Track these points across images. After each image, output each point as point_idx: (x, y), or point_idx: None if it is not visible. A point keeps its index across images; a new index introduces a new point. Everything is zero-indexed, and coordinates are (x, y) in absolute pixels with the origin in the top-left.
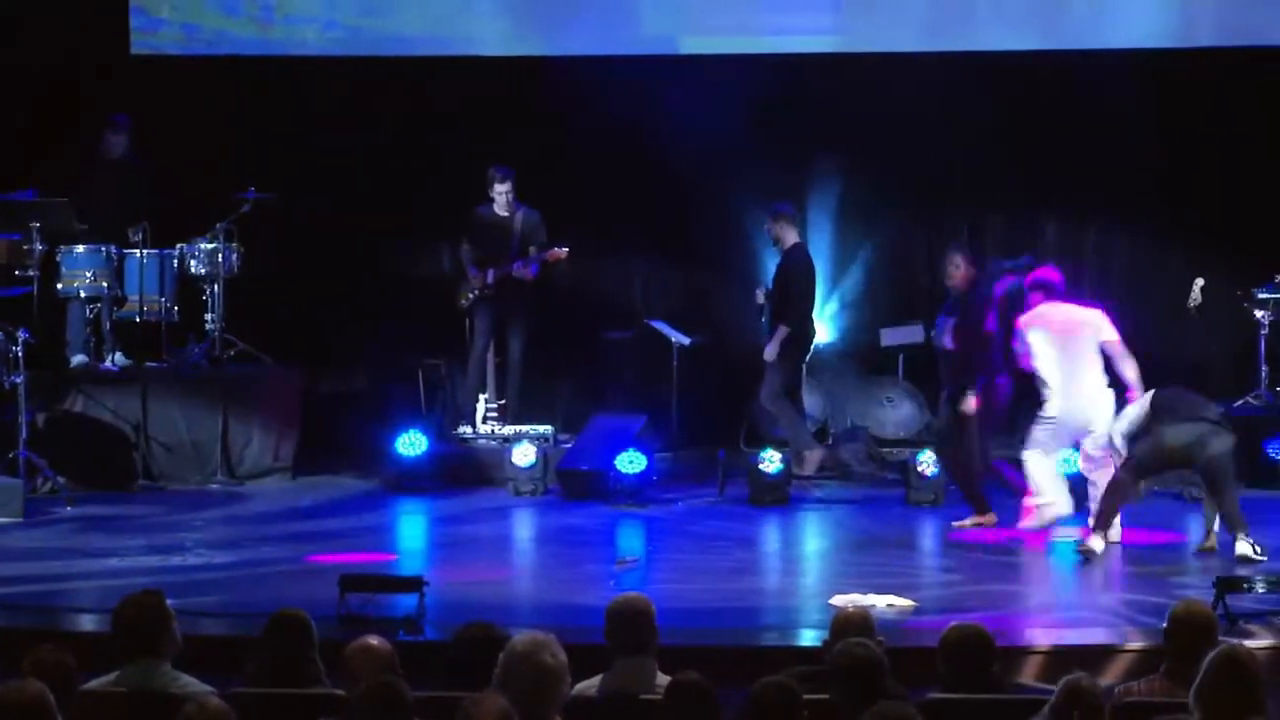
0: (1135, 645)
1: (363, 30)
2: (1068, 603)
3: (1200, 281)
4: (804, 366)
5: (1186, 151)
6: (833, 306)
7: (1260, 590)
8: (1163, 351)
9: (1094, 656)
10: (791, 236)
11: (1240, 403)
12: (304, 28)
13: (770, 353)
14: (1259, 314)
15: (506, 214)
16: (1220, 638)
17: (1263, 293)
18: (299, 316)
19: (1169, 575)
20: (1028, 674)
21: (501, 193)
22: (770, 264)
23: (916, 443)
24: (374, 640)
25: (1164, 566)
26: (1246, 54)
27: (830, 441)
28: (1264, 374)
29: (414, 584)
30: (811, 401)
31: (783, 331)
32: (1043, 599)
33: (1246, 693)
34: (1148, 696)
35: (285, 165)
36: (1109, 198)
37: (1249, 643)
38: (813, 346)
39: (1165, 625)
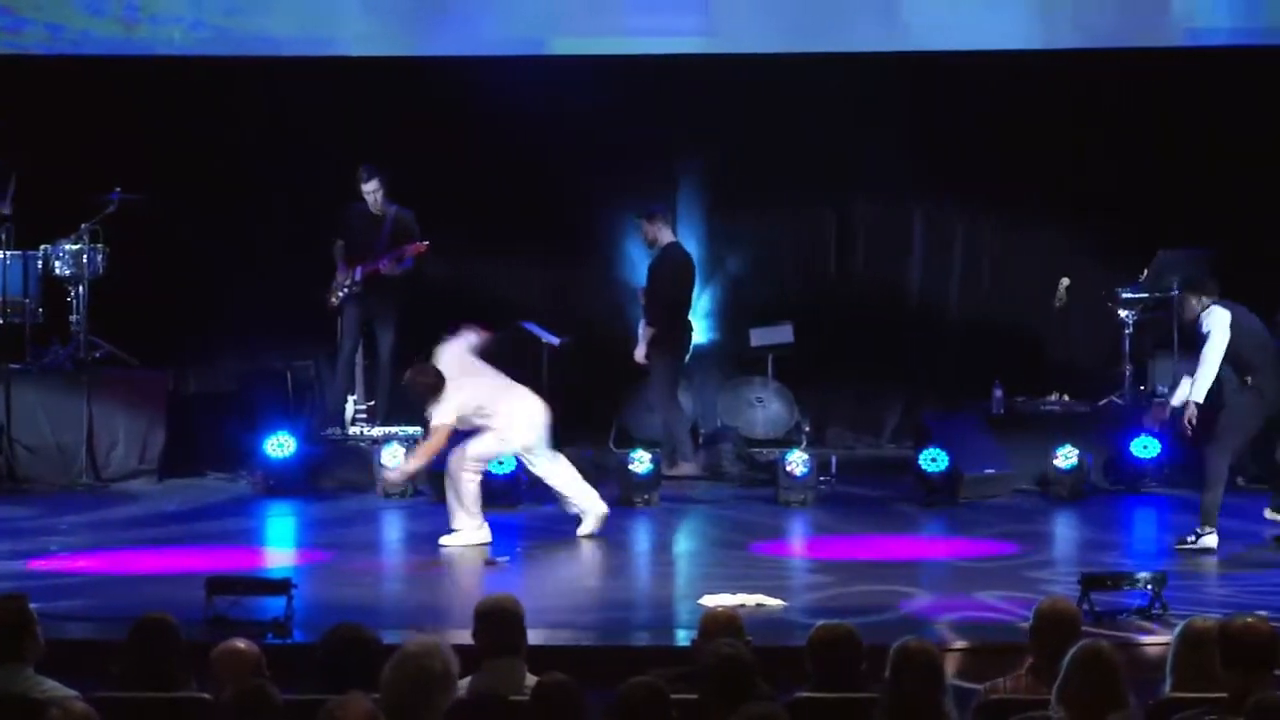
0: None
1: (229, 30)
2: (940, 604)
3: (1066, 281)
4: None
5: (1055, 151)
6: (702, 306)
7: (1123, 587)
8: (1028, 349)
9: (964, 654)
10: (666, 236)
11: (1104, 402)
12: (170, 27)
13: (638, 354)
14: (1123, 314)
15: (379, 213)
16: (1084, 630)
17: (1127, 293)
18: (165, 318)
19: (1036, 572)
20: None
21: (369, 192)
22: (643, 263)
23: (786, 442)
24: (241, 643)
25: (1029, 563)
26: (1114, 55)
27: (700, 442)
28: (1128, 374)
29: (282, 586)
30: (683, 401)
31: (648, 332)
32: (915, 600)
33: (1108, 688)
34: (1013, 694)
35: (151, 166)
36: (977, 195)
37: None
38: (691, 346)
39: (1030, 622)
